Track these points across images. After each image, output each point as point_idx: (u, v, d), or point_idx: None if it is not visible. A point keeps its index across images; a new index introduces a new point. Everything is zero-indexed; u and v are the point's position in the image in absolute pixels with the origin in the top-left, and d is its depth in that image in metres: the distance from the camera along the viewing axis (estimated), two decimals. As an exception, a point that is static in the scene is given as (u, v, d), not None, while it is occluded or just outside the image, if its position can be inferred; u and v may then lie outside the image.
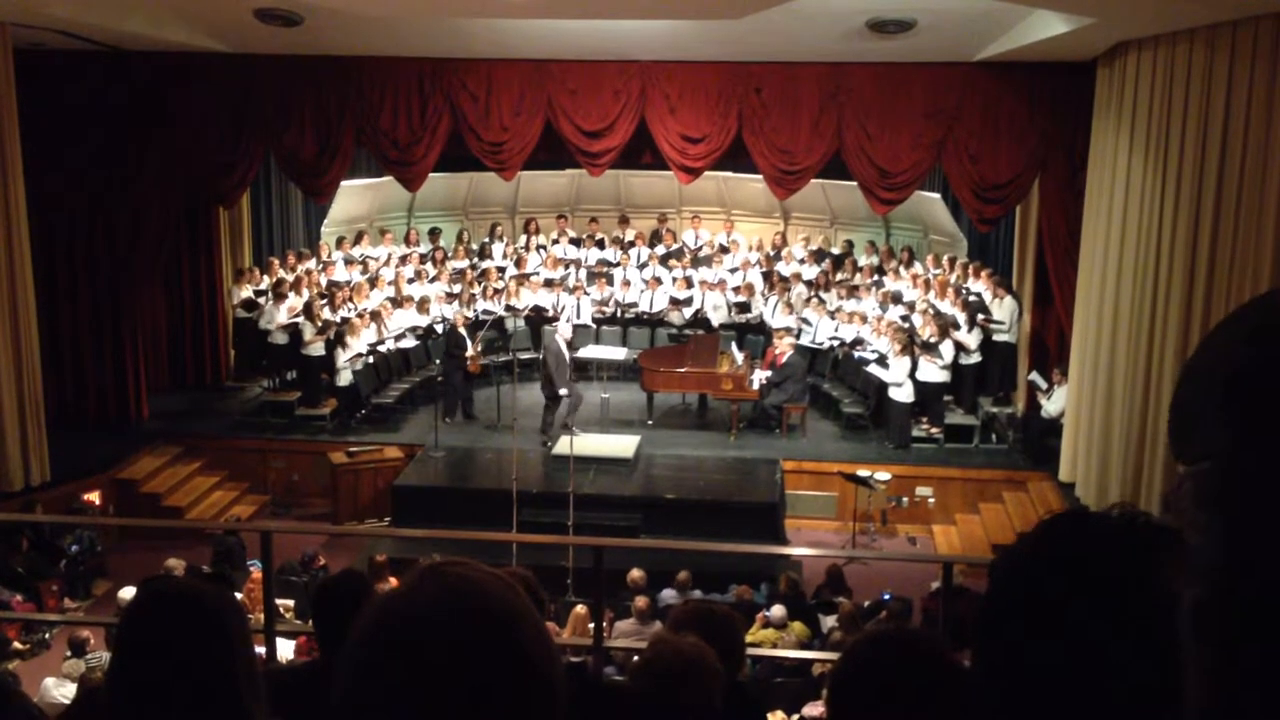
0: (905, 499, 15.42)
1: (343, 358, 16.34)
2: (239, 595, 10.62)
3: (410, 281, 18.87)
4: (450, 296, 18.70)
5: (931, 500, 15.49)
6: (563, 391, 15.78)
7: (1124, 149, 13.25)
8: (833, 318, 17.76)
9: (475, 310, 18.26)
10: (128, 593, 10.33)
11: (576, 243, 20.80)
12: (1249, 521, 0.72)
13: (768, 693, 9.14)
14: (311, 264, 18.79)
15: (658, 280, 19.35)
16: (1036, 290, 16.48)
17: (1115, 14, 11.71)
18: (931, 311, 16.45)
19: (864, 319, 17.24)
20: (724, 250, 20.28)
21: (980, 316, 16.42)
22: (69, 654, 10.01)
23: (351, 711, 1.27)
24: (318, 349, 16.73)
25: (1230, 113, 11.36)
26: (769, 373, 16.54)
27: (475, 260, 20.18)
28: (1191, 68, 11.87)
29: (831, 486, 15.50)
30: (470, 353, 16.78)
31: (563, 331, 16.33)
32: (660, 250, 20.35)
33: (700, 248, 20.55)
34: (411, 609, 1.27)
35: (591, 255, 20.43)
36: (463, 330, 16.92)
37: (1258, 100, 11.00)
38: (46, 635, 12.22)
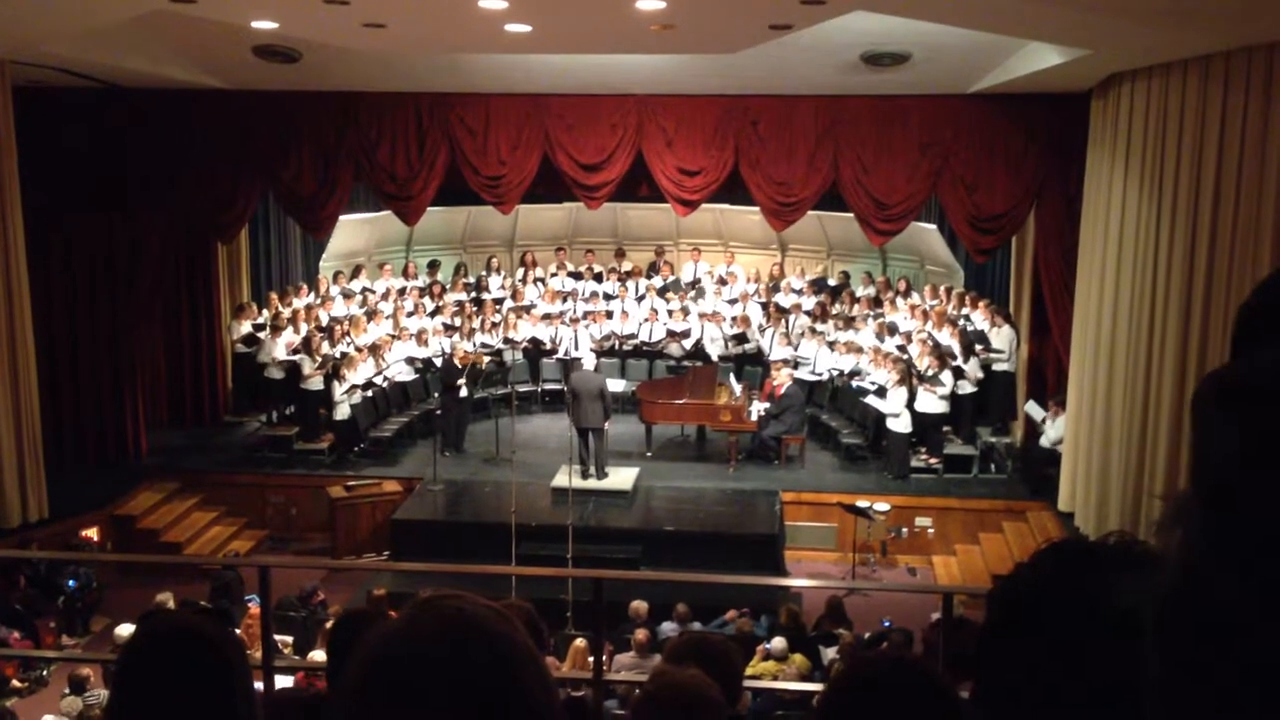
0: (905, 530, 15.39)
1: (339, 391, 16.33)
2: (237, 631, 10.57)
3: (409, 315, 18.89)
4: (449, 329, 18.73)
5: (931, 531, 15.46)
6: (607, 424, 15.85)
7: (1119, 179, 13.31)
8: (831, 349, 17.78)
9: (475, 344, 18.27)
10: (125, 630, 10.28)
11: (575, 275, 20.85)
12: (1200, 543, 0.73)
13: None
14: (310, 298, 18.81)
15: (655, 312, 19.38)
16: (1034, 320, 16.50)
17: (1109, 46, 11.78)
18: (930, 343, 16.48)
19: (861, 350, 17.26)
20: (722, 282, 20.32)
21: (978, 347, 16.43)
22: (67, 691, 9.95)
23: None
24: (316, 383, 16.73)
25: (1224, 142, 11.40)
26: (767, 404, 16.54)
27: (474, 293, 20.22)
28: (1185, 98, 11.93)
29: (831, 517, 15.46)
30: (462, 380, 16.77)
31: (590, 361, 16.35)
32: (658, 282, 20.40)
33: (698, 280, 20.60)
34: (407, 643, 1.26)
35: (589, 288, 20.47)
36: (458, 363, 16.91)
37: (1251, 130, 11.06)
38: (44, 673, 12.15)
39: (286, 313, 17.78)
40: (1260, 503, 0.67)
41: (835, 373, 17.58)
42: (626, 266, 21.04)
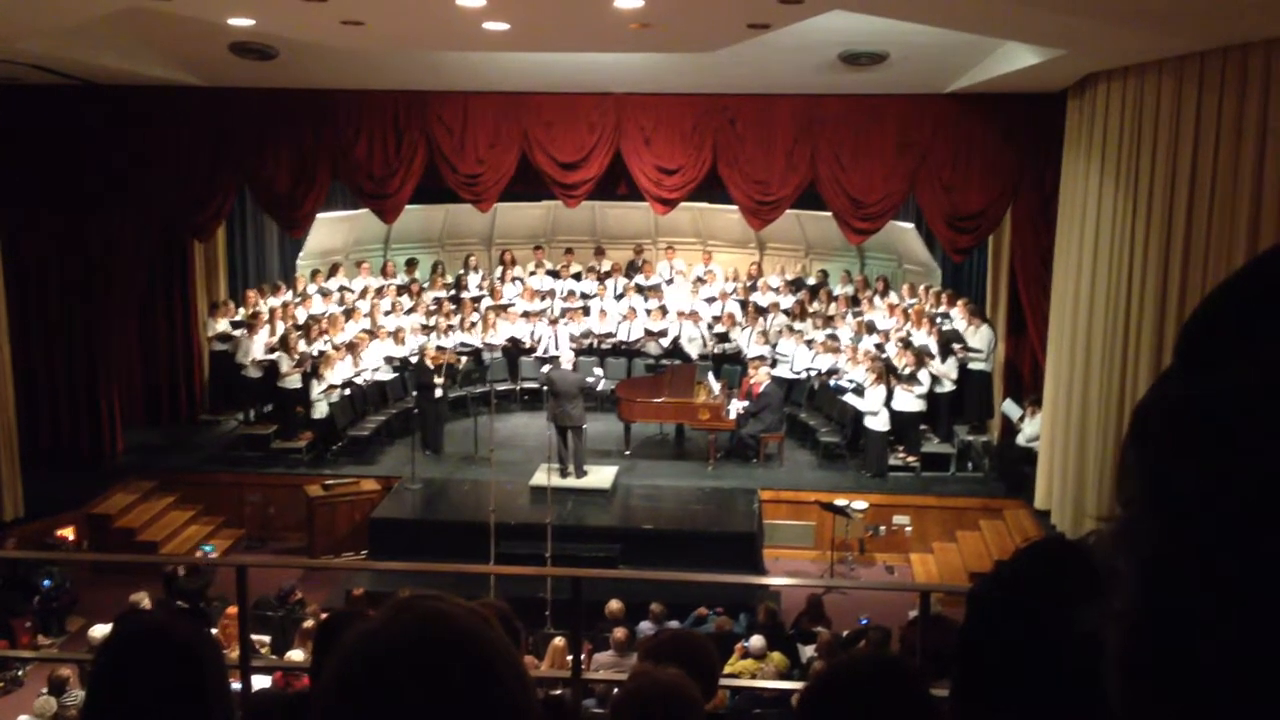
0: (883, 528, 15.43)
1: (317, 390, 16.27)
2: (214, 631, 10.52)
3: (386, 313, 18.84)
4: (426, 329, 18.68)
5: (909, 529, 15.50)
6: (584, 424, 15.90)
7: (1094, 178, 13.38)
8: (809, 347, 17.81)
9: (454, 342, 18.23)
10: (101, 630, 10.22)
11: (553, 274, 20.83)
12: (1147, 570, 0.72)
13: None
14: (287, 296, 18.73)
15: (634, 311, 19.38)
16: (1010, 319, 16.57)
17: (1084, 46, 11.84)
18: (908, 341, 16.52)
19: (839, 348, 17.30)
20: (701, 281, 20.34)
21: (956, 346, 16.48)
22: (44, 692, 9.89)
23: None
24: (294, 381, 16.66)
25: (1199, 142, 11.46)
26: (746, 402, 16.56)
27: (452, 292, 20.17)
28: (1160, 98, 11.99)
29: (809, 516, 15.49)
30: (440, 379, 16.66)
31: (568, 359, 16.36)
32: (640, 281, 20.39)
33: (673, 278, 20.60)
34: (384, 643, 1.26)
35: (567, 286, 20.45)
36: (429, 363, 16.80)
37: (1226, 130, 11.11)
38: (20, 673, 12.07)
39: (264, 311, 17.71)
40: (1247, 540, 0.65)
41: (813, 371, 17.61)
42: (606, 265, 21.03)
